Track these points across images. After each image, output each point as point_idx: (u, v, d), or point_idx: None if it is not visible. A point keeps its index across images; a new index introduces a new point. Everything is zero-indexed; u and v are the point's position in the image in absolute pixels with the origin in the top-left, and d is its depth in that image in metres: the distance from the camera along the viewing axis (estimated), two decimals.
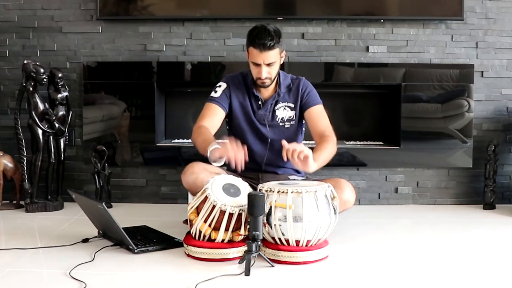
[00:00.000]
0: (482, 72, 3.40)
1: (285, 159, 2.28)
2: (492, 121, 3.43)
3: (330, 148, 2.47)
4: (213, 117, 2.60)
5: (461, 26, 3.37)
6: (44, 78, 3.14)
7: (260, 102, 2.65)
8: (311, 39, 3.39)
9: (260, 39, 2.47)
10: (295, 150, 2.23)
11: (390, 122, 3.54)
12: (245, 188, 2.30)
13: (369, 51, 3.39)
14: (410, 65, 3.38)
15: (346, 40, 3.39)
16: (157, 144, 3.40)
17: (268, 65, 2.51)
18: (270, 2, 3.44)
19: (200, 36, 3.39)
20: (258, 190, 2.21)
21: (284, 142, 2.28)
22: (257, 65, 2.52)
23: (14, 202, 3.25)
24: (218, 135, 2.71)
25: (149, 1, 3.37)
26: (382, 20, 3.37)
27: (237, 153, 2.23)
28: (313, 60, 3.38)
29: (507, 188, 3.47)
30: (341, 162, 3.35)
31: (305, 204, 2.12)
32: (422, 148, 3.41)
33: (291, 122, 2.68)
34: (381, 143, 3.51)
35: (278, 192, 2.15)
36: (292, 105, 2.66)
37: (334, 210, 2.22)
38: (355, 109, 3.61)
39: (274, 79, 2.59)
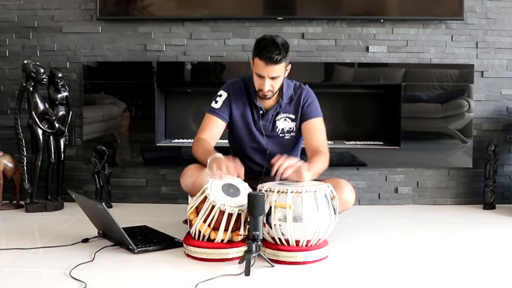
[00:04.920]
0: (482, 72, 3.40)
1: (272, 174, 2.30)
2: (492, 121, 3.43)
3: (322, 163, 2.47)
4: (213, 129, 2.58)
5: (461, 26, 3.37)
6: (44, 78, 3.14)
7: (261, 112, 2.62)
8: (311, 39, 3.39)
9: (268, 52, 2.41)
10: (287, 167, 2.25)
11: (390, 122, 3.54)
12: (244, 188, 2.29)
13: (369, 51, 3.39)
14: (410, 65, 3.38)
15: (346, 40, 3.39)
16: (157, 144, 3.40)
17: (272, 78, 2.47)
18: (270, 2, 3.44)
19: (200, 36, 3.39)
20: (258, 190, 2.21)
21: (273, 160, 2.30)
22: (261, 77, 2.48)
23: (14, 202, 3.25)
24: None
25: (149, 1, 3.37)
26: (382, 20, 3.37)
27: (233, 170, 2.27)
28: (313, 60, 3.38)
29: (507, 188, 3.47)
30: (341, 162, 3.35)
31: (305, 204, 2.12)
32: (422, 148, 3.41)
33: (291, 134, 2.66)
34: (381, 143, 3.51)
35: (278, 192, 2.15)
36: (293, 116, 2.64)
37: (334, 210, 2.22)
38: (355, 109, 3.61)
39: (276, 92, 2.56)
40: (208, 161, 2.34)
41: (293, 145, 2.70)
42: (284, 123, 2.64)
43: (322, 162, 2.47)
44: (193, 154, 2.53)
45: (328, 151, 2.56)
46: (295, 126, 2.65)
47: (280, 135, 2.65)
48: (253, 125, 2.64)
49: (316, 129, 2.60)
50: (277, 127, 2.64)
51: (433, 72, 3.37)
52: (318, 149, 2.52)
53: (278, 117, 2.63)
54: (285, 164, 2.28)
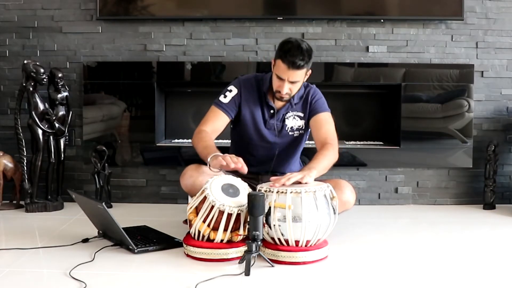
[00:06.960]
0: (482, 72, 3.40)
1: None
2: (492, 121, 3.43)
3: (330, 156, 2.44)
4: (217, 122, 2.58)
5: (461, 26, 3.37)
6: (44, 78, 3.14)
7: (272, 111, 2.63)
8: (311, 39, 3.38)
9: (292, 56, 2.40)
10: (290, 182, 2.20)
11: (390, 122, 3.54)
12: (244, 188, 2.29)
13: (369, 51, 3.39)
14: (410, 65, 3.38)
15: (346, 40, 3.39)
16: (157, 144, 3.40)
17: (292, 82, 2.47)
18: (270, 2, 3.44)
19: (200, 36, 3.39)
20: (257, 190, 2.21)
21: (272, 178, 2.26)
22: (281, 79, 2.47)
23: (14, 202, 3.25)
24: (220, 137, 2.72)
25: (149, 1, 3.37)
26: (382, 20, 3.37)
27: (236, 163, 2.25)
28: (313, 60, 3.37)
29: (507, 188, 3.47)
30: (341, 162, 3.33)
31: (304, 204, 2.12)
32: (422, 148, 3.40)
33: (300, 131, 2.67)
34: (381, 143, 3.51)
35: (277, 192, 2.15)
36: (302, 115, 2.65)
37: (334, 210, 2.22)
38: (355, 109, 3.61)
39: (293, 95, 2.56)
40: (208, 159, 2.34)
41: (300, 142, 2.72)
42: (293, 122, 2.65)
43: (328, 155, 2.43)
44: (192, 145, 2.53)
45: (336, 143, 2.53)
46: (304, 124, 2.66)
47: (290, 133, 2.66)
48: (262, 124, 2.64)
49: (323, 122, 2.59)
50: (286, 125, 2.65)
51: (433, 72, 3.37)
52: (325, 142, 2.51)
53: (288, 115, 2.64)
54: (290, 181, 2.21)
